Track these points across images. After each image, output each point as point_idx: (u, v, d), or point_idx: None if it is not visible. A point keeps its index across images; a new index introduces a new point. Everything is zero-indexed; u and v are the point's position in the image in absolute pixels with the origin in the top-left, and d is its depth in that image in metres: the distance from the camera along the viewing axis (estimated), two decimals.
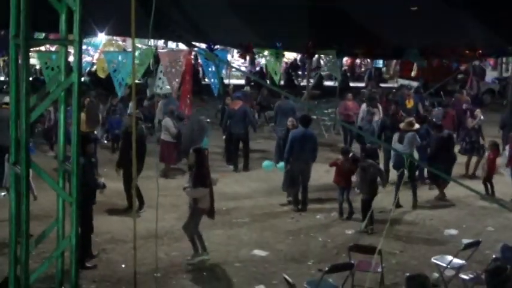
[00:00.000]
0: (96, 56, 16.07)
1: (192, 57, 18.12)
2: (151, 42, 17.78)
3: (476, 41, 13.01)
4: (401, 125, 13.06)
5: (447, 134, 13.40)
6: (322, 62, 19.28)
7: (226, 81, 27.86)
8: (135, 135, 7.86)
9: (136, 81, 14.01)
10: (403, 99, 18.72)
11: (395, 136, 12.88)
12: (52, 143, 15.51)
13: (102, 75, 14.88)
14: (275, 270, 9.30)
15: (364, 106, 17.59)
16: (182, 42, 12.28)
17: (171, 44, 18.98)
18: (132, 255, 8.43)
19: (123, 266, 9.34)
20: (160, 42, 23.22)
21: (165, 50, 15.00)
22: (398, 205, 12.08)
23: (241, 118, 15.67)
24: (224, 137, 16.27)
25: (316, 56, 21.83)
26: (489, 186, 13.26)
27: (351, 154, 12.12)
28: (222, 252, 10.09)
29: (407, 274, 7.06)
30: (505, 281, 6.80)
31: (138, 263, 8.91)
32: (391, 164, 13.29)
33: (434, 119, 15.98)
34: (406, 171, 12.15)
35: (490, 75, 31.15)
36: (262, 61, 31.30)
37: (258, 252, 10.12)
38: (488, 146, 13.93)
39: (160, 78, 12.49)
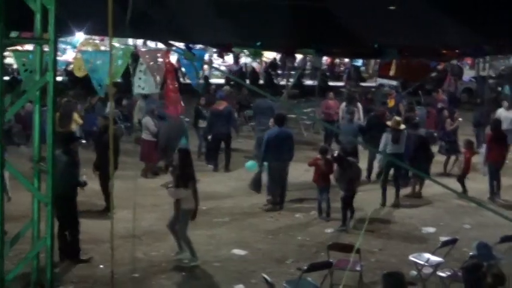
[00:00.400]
0: (73, 55, 15.93)
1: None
2: (130, 41, 17.76)
3: (454, 40, 13.08)
4: (391, 123, 13.07)
5: (424, 133, 13.49)
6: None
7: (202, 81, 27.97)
8: (112, 135, 7.80)
9: (118, 80, 13.96)
10: (384, 98, 18.86)
11: (388, 135, 12.86)
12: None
13: (79, 74, 14.71)
14: (254, 270, 9.30)
15: (343, 105, 17.66)
16: (160, 42, 12.18)
17: (150, 44, 18.87)
18: (110, 255, 8.40)
19: (101, 266, 9.27)
20: (140, 42, 23.13)
21: (145, 49, 14.89)
22: (384, 204, 12.25)
23: (226, 119, 15.68)
24: (210, 137, 16.17)
25: (302, 56, 21.90)
26: (462, 184, 13.33)
27: (336, 153, 12.08)
28: (201, 252, 10.04)
29: (384, 272, 7.10)
30: (481, 278, 6.86)
31: (116, 264, 8.85)
32: (377, 164, 13.35)
33: (418, 119, 16.07)
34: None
35: (468, 74, 31.42)
36: (243, 60, 31.39)
37: (237, 251, 10.11)
38: (463, 144, 14.03)
39: (140, 78, 12.37)
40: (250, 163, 13.15)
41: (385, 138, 12.83)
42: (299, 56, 25.02)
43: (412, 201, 13.02)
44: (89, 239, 10.22)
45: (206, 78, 27.34)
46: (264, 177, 12.65)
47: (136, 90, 12.67)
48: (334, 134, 17.07)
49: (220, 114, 15.59)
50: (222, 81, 28.17)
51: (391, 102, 18.87)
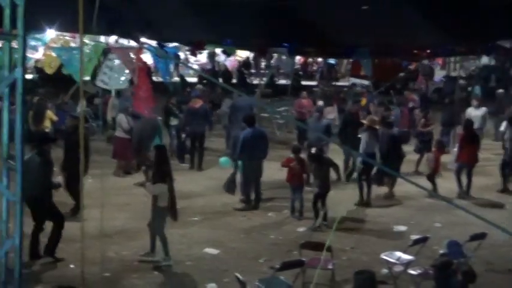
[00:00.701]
0: (42, 51, 15.73)
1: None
2: (103, 39, 17.57)
3: (426, 41, 13.23)
4: (367, 122, 13.10)
5: (396, 132, 13.55)
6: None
7: (176, 79, 27.84)
8: (83, 134, 7.72)
9: (87, 78, 13.84)
10: (357, 97, 18.98)
11: (366, 135, 12.88)
12: None
13: (49, 71, 14.58)
14: (227, 269, 9.27)
15: (320, 104, 17.65)
16: (132, 40, 12.12)
17: (123, 41, 18.74)
18: (81, 255, 8.31)
19: (72, 266, 9.16)
20: (113, 40, 22.94)
21: (117, 47, 14.77)
22: (362, 203, 12.31)
23: (202, 117, 15.66)
24: (184, 135, 16.09)
25: (276, 55, 21.88)
26: (433, 183, 13.43)
27: (313, 150, 12.07)
28: (173, 251, 9.97)
29: (356, 270, 7.14)
30: (451, 275, 6.94)
31: (87, 263, 8.75)
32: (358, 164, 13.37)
33: (393, 118, 16.19)
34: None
35: (439, 74, 31.78)
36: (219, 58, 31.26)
37: (209, 250, 10.08)
38: (434, 144, 14.15)
39: (105, 73, 12.24)
40: (224, 159, 13.09)
41: (365, 137, 12.83)
42: (275, 55, 25.06)
43: (383, 200, 13.10)
44: None
45: (182, 76, 27.26)
46: (238, 177, 12.63)
47: (98, 83, 12.52)
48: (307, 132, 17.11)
49: (196, 113, 15.57)
50: (194, 79, 28.07)
51: (363, 101, 19.00)
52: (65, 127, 12.61)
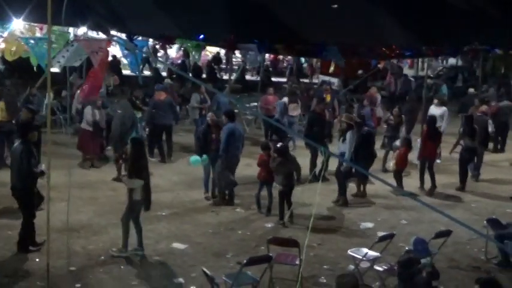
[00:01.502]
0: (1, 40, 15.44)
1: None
2: (71, 30, 17.35)
3: (394, 41, 13.33)
4: (344, 120, 13.12)
5: (367, 131, 13.59)
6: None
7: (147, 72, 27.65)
8: (49, 127, 7.63)
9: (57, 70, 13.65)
10: (322, 94, 19.03)
11: (352, 134, 12.85)
12: None
13: (9, 58, 14.37)
14: (194, 264, 9.27)
15: (281, 101, 17.68)
16: (101, 32, 11.99)
17: (92, 33, 18.47)
18: (46, 248, 8.24)
19: (37, 260, 9.07)
20: (82, 32, 22.68)
21: (83, 38, 14.54)
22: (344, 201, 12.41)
23: (167, 109, 15.62)
24: (148, 129, 16.00)
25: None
26: (399, 180, 13.56)
27: (279, 144, 12.06)
28: None
29: (339, 274, 7.15)
30: (416, 273, 7.04)
31: (53, 257, 8.70)
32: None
33: (365, 117, 16.31)
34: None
35: (407, 73, 32.09)
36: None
37: (177, 245, 10.06)
38: (400, 141, 14.28)
39: (63, 56, 12.02)
40: (194, 158, 13.00)
41: (350, 136, 12.70)
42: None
43: (350, 197, 13.16)
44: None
45: (157, 70, 27.06)
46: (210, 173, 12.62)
47: (54, 65, 12.28)
48: (274, 128, 17.14)
49: (162, 105, 15.51)
50: (164, 74, 27.88)
51: (327, 98, 19.10)
52: (20, 120, 12.41)
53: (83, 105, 15.31)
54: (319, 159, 13.32)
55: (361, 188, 13.33)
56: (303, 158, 13.66)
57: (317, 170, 13.12)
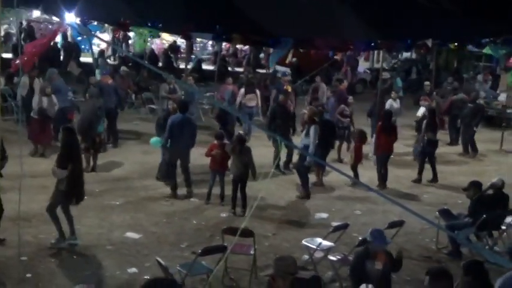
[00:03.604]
0: None
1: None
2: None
3: (349, 33, 13.40)
4: (309, 113, 13.11)
5: (327, 121, 13.60)
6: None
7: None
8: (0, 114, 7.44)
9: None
10: (281, 86, 18.99)
11: (316, 129, 12.85)
12: None
13: None
14: (148, 253, 9.20)
15: (242, 91, 17.63)
16: (55, 16, 11.73)
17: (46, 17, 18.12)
18: None
19: None
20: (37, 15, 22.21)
21: (38, 22, 14.21)
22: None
23: (113, 93, 15.59)
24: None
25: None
26: (355, 172, 13.69)
27: (238, 133, 12.00)
28: (93, 235, 9.84)
29: (277, 256, 7.20)
30: (368, 263, 7.15)
31: (3, 246, 8.54)
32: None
33: (330, 107, 16.38)
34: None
35: (363, 65, 32.42)
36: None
37: (130, 234, 9.97)
38: (355, 133, 14.40)
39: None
40: (154, 139, 12.86)
41: (314, 130, 12.72)
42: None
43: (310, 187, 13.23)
44: None
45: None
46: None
47: None
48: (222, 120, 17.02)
49: (108, 88, 15.43)
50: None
51: (288, 88, 19.09)
52: None
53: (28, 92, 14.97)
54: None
55: (320, 177, 13.42)
56: (256, 148, 13.67)
57: (281, 162, 13.14)
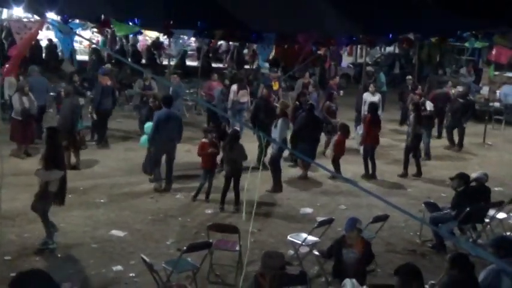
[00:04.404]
0: None
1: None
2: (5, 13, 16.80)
3: (331, 28, 13.41)
4: (281, 106, 13.14)
5: (313, 116, 13.63)
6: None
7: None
8: None
9: None
10: (268, 81, 18.98)
11: (284, 119, 12.88)
12: None
13: None
14: (133, 251, 9.17)
15: (234, 87, 17.42)
16: (36, 14, 11.59)
17: (25, 15, 17.91)
18: None
19: None
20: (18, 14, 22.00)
21: (17, 20, 14.04)
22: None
23: (111, 94, 15.60)
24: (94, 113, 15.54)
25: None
26: (337, 166, 13.71)
27: (233, 128, 11.98)
28: (78, 233, 9.80)
29: (264, 251, 7.22)
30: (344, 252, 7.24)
31: None
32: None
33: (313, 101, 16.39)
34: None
35: (346, 60, 32.52)
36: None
37: (115, 232, 9.93)
38: (338, 127, 14.44)
39: None
40: (144, 139, 12.84)
41: (281, 124, 12.81)
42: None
43: (290, 183, 13.28)
44: None
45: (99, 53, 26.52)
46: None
47: None
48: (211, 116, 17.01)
49: (108, 90, 15.33)
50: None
51: (275, 85, 19.10)
52: None
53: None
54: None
55: (305, 171, 13.46)
56: (246, 144, 13.68)
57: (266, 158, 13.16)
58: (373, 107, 14.49)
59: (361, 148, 14.43)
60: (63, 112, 13.73)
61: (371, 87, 17.51)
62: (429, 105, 16.28)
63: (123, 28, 13.57)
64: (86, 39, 19.11)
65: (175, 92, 16.49)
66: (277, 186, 12.65)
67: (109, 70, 18.43)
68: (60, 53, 27.33)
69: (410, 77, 20.52)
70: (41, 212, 9.13)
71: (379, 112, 16.33)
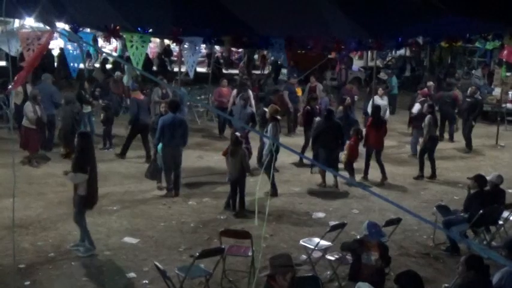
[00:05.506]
0: None
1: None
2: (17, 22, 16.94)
3: (340, 33, 13.39)
4: (271, 111, 13.15)
5: (331, 121, 13.60)
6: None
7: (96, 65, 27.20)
8: None
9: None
10: (292, 88, 19.02)
11: (274, 126, 12.89)
12: None
13: None
14: (146, 258, 9.19)
15: (235, 92, 17.60)
16: (45, 24, 11.70)
17: (36, 24, 18.06)
18: None
19: None
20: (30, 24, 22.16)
21: (27, 30, 14.09)
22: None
23: (147, 108, 15.69)
24: (130, 126, 15.49)
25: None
26: (350, 170, 13.68)
27: (236, 134, 11.96)
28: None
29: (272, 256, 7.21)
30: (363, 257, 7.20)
31: (1, 255, 8.52)
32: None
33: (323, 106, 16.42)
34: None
35: (357, 64, 32.51)
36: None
37: (128, 239, 9.95)
38: (351, 131, 14.41)
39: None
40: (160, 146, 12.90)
41: (271, 128, 12.80)
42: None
43: (302, 188, 13.25)
44: None
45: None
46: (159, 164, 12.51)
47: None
48: (227, 121, 17.06)
49: (142, 104, 15.31)
50: (109, 66, 27.47)
51: (299, 91, 19.14)
52: None
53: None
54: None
55: (323, 178, 13.40)
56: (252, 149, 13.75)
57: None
58: (375, 109, 14.43)
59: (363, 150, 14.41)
60: (63, 120, 13.78)
61: (379, 91, 17.49)
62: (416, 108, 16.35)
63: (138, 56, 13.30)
64: (94, 47, 19.19)
65: (182, 96, 16.52)
66: (271, 190, 12.60)
67: (118, 79, 18.55)
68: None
69: (431, 82, 20.41)
70: (74, 216, 9.25)
71: (387, 115, 16.33)
